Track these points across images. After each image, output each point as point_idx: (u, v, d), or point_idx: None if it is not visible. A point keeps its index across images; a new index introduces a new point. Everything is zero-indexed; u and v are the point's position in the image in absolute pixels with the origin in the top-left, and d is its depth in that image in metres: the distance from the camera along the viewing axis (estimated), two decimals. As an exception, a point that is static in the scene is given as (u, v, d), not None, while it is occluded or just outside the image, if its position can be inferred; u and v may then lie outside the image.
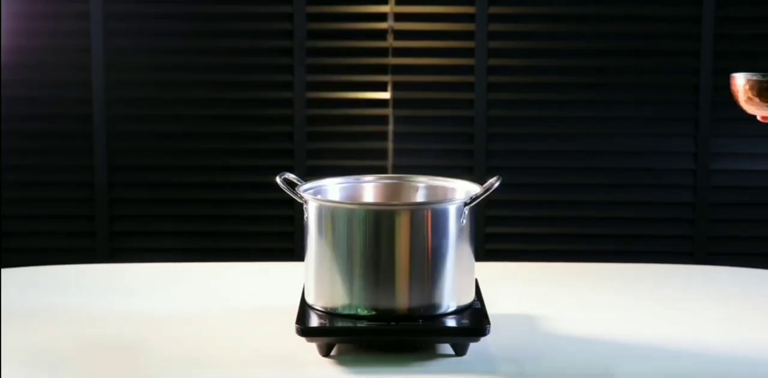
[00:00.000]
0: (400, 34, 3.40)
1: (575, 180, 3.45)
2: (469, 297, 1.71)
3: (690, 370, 1.62)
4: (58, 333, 1.75)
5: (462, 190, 1.79)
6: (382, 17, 3.39)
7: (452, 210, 1.66)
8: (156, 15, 3.41)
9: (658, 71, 3.42)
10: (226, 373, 1.58)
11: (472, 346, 1.64)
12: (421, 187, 1.84)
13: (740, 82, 1.78)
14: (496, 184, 1.68)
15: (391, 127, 3.40)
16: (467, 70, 3.40)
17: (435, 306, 1.65)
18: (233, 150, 3.45)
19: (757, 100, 1.71)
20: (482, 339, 1.63)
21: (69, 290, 2.01)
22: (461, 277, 1.68)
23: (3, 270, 2.08)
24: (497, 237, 3.45)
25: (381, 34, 3.40)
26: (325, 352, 1.63)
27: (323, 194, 1.79)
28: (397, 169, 3.39)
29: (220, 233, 3.47)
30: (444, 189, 1.82)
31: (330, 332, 1.63)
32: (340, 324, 1.63)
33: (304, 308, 1.69)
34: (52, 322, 1.81)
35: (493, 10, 3.38)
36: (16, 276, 2.08)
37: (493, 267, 2.19)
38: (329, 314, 1.66)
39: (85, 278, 2.11)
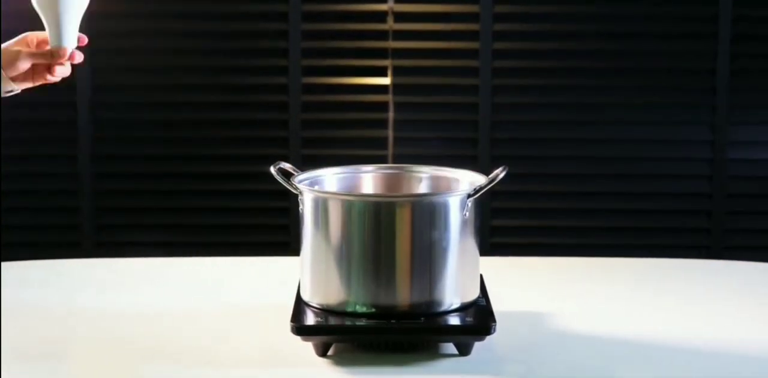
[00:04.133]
0: (400, 16, 3.39)
1: (585, 170, 3.45)
2: (473, 293, 1.71)
3: (707, 370, 1.62)
4: (41, 330, 1.75)
5: (466, 181, 1.78)
6: (381, -2, 3.39)
7: (455, 202, 1.66)
8: (143, -4, 3.41)
9: (672, 54, 3.41)
10: (216, 374, 1.58)
11: (477, 346, 1.64)
12: (423, 177, 1.84)
13: None
14: (502, 175, 1.68)
15: (391, 115, 3.40)
16: (472, 54, 3.39)
17: (437, 303, 1.65)
18: (224, 138, 3.44)
19: None
20: (487, 338, 1.63)
21: (53, 286, 2.01)
22: (465, 272, 1.68)
23: (-18, 265, 2.09)
24: (503, 230, 3.45)
25: (380, 16, 3.39)
26: (322, 352, 1.63)
27: (320, 185, 1.79)
28: (398, 158, 3.38)
29: (210, 226, 3.46)
30: (447, 179, 1.82)
31: (327, 331, 1.63)
32: (337, 322, 1.63)
33: (300, 305, 1.69)
34: (35, 318, 1.81)
35: (499, -10, 3.38)
36: (-3, 271, 2.08)
37: (499, 262, 2.19)
38: (326, 312, 1.66)
39: (69, 273, 2.11)
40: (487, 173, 1.72)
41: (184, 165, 3.44)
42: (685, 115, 3.42)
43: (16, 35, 1.69)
